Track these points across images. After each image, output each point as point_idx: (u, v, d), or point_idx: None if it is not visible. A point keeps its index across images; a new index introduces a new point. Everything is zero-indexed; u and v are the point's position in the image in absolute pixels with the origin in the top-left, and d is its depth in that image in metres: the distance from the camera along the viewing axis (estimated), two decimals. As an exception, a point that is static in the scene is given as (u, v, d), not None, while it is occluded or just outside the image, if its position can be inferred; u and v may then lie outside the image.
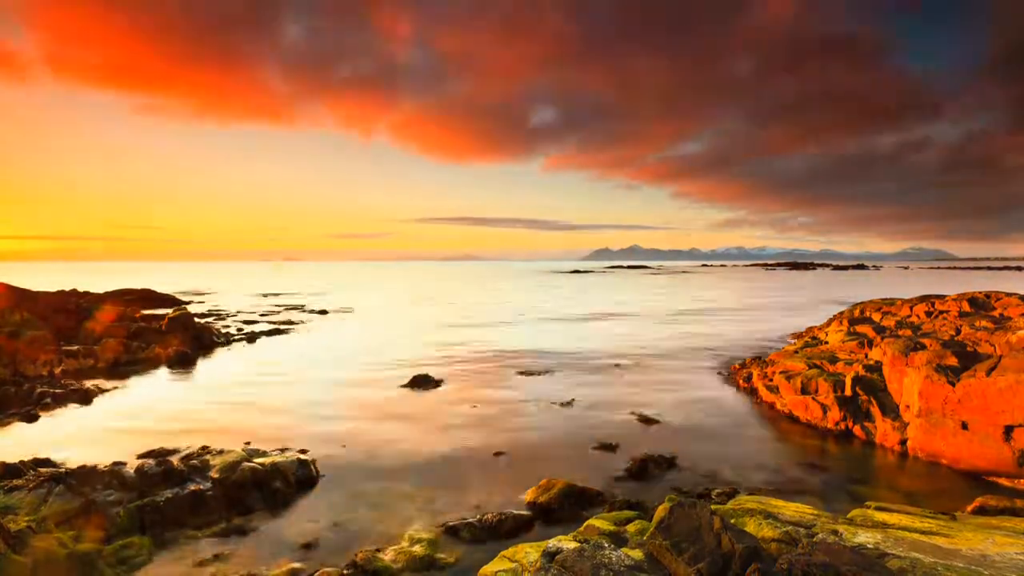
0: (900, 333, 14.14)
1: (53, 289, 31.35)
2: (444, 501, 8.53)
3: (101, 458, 9.64)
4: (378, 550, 7.00)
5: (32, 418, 12.89)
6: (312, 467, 9.71)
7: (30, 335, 18.30)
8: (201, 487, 8.22)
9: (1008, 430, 9.10)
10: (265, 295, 56.58)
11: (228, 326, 30.11)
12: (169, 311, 27.69)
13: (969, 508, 6.97)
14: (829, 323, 20.49)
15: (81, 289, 34.49)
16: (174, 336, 22.99)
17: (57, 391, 14.96)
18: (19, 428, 12.24)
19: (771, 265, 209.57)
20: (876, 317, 18.52)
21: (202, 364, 20.18)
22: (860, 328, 16.84)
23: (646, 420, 12.82)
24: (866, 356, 13.77)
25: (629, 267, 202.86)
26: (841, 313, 20.96)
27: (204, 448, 10.38)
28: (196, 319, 25.89)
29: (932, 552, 4.47)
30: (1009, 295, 16.07)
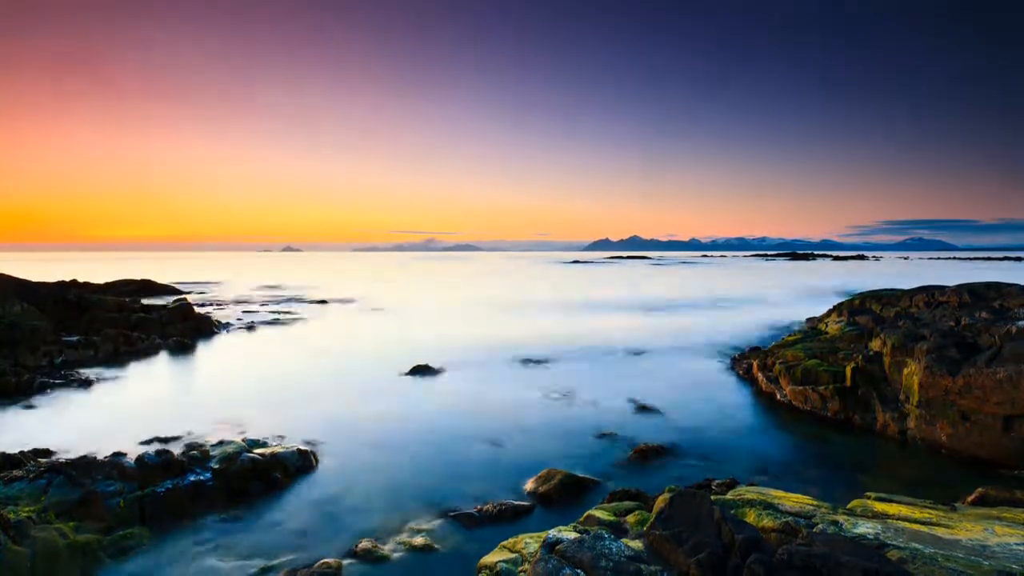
0: (900, 324, 14.12)
1: (53, 280, 31.26)
2: (444, 491, 8.54)
3: (101, 448, 9.66)
4: (378, 540, 7.02)
5: (32, 408, 12.90)
6: (312, 457, 9.73)
7: (30, 326, 18.28)
8: (201, 478, 8.24)
9: (1008, 420, 9.11)
10: (266, 285, 56.51)
11: (228, 316, 30.09)
12: (169, 301, 27.68)
13: (969, 498, 6.97)
14: (829, 314, 20.45)
15: (81, 280, 34.38)
16: (174, 326, 23.00)
17: (57, 381, 14.98)
18: (19, 418, 12.25)
19: (771, 256, 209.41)
20: (876, 308, 18.49)
21: (202, 354, 20.19)
22: (860, 319, 16.80)
23: (646, 410, 12.84)
24: (866, 347, 13.75)
25: (628, 257, 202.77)
26: (841, 304, 20.90)
27: (204, 439, 10.40)
28: (196, 309, 25.87)
29: (932, 542, 4.47)
30: (1009, 286, 16.03)
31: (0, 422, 12.02)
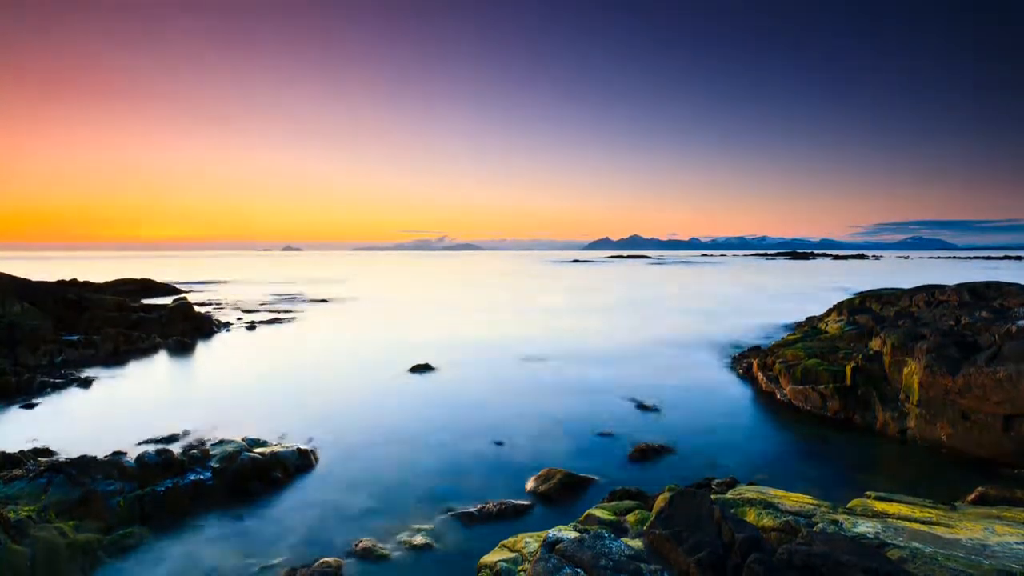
0: (900, 324, 14.11)
1: (53, 279, 31.28)
2: (444, 490, 8.55)
3: (101, 447, 9.66)
4: (378, 539, 7.02)
5: (32, 407, 12.91)
6: (312, 456, 9.74)
7: (30, 325, 18.28)
8: (201, 477, 8.24)
9: (1008, 420, 9.10)
10: (266, 285, 56.50)
11: (228, 315, 30.10)
12: (169, 300, 27.67)
13: (969, 498, 6.97)
14: (829, 313, 20.44)
15: (81, 279, 34.40)
16: (174, 325, 23.00)
17: (57, 380, 14.99)
18: (19, 417, 12.26)
19: (771, 255, 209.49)
20: (876, 307, 18.49)
21: (202, 353, 20.19)
22: (860, 318, 16.80)
23: (646, 409, 12.84)
24: (866, 346, 13.75)
25: (629, 256, 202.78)
26: (841, 303, 20.90)
27: (204, 438, 10.41)
28: (196, 308, 25.87)
29: (932, 542, 4.47)
30: (1009, 285, 16.02)
31: (0, 421, 12.03)
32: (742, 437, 11.12)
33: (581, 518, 6.34)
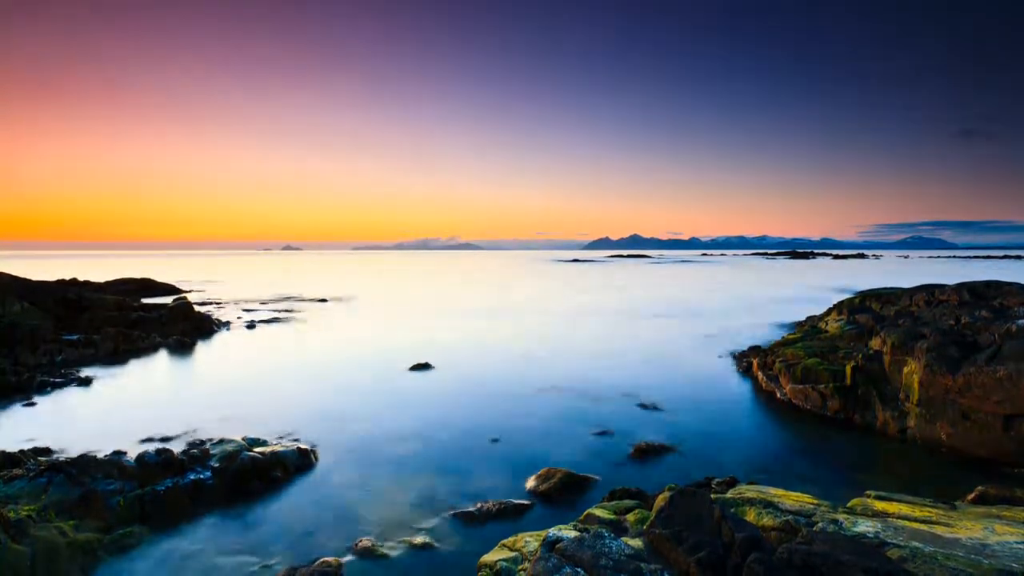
0: (900, 323, 14.11)
1: (53, 279, 31.28)
2: (444, 489, 8.55)
3: (101, 447, 9.67)
4: (378, 538, 7.02)
5: (32, 407, 12.90)
6: (312, 455, 9.74)
7: (30, 325, 18.28)
8: (201, 477, 8.25)
9: (1008, 419, 9.10)
10: (266, 284, 56.47)
11: (228, 314, 30.09)
12: (169, 300, 27.66)
13: (969, 497, 6.98)
14: (829, 312, 20.43)
15: (81, 279, 34.41)
16: (174, 324, 23.01)
17: (57, 380, 14.99)
18: (19, 417, 12.26)
19: (771, 254, 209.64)
20: (876, 307, 18.49)
21: (202, 352, 20.19)
22: (860, 318, 16.79)
23: (646, 408, 12.84)
24: (866, 346, 13.75)
25: (629, 256, 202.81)
26: (841, 302, 20.88)
27: (204, 437, 10.40)
28: (196, 308, 25.87)
29: (932, 541, 4.47)
30: (1009, 284, 16.00)
31: (0, 421, 12.03)
32: (742, 436, 11.12)
33: (581, 517, 6.34)
